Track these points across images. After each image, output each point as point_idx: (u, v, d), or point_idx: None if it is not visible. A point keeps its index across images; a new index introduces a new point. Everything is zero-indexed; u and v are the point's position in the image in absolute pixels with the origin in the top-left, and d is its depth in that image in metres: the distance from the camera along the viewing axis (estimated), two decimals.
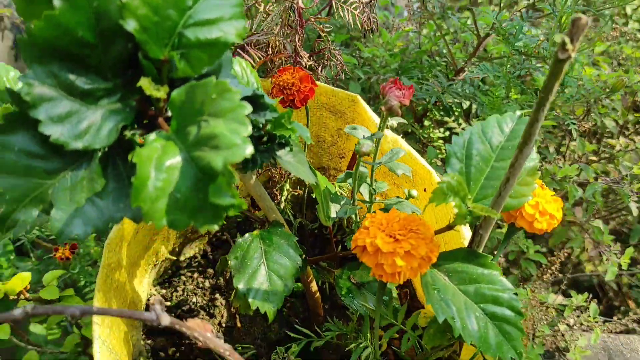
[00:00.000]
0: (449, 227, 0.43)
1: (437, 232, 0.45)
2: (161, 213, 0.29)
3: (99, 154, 0.33)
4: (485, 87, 1.20)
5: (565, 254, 0.88)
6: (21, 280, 0.71)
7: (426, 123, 1.23)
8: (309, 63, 0.80)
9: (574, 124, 0.81)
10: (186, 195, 0.29)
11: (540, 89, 0.34)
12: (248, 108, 0.30)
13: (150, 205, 0.29)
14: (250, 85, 0.48)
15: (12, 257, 1.04)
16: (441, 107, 1.23)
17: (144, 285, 0.74)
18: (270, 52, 0.73)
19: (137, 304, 0.68)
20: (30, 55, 0.30)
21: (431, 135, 1.21)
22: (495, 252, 0.60)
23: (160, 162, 0.29)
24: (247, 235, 0.51)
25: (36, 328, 0.96)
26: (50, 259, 1.00)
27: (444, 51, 1.35)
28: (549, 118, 0.95)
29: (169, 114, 0.32)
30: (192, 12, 0.32)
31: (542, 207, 0.42)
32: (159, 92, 0.32)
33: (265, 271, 0.48)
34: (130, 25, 0.30)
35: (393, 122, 0.54)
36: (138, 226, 0.63)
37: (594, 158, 1.17)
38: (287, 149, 0.47)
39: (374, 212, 0.47)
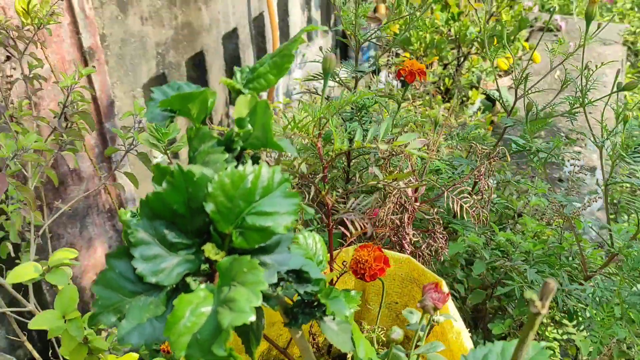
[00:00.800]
0: None
1: None
2: (183, 346, 0.40)
3: (168, 288, 0.45)
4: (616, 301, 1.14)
5: None
6: (130, 358, 0.86)
7: (544, 320, 1.20)
8: (415, 240, 0.88)
9: None
10: (204, 338, 0.40)
11: (521, 331, 0.39)
12: (265, 286, 0.40)
13: (176, 338, 0.39)
14: (315, 257, 0.59)
15: None
16: (564, 309, 1.20)
17: None
18: (375, 223, 0.83)
19: None
20: (143, 212, 0.44)
21: (546, 333, 1.17)
22: None
23: (196, 307, 0.40)
24: None
25: None
26: None
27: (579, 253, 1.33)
28: None
29: None
30: (256, 204, 0.44)
31: None
32: (217, 256, 0.44)
33: None
34: (209, 207, 0.43)
35: (441, 317, 0.59)
36: None
37: None
38: (331, 317, 0.55)
39: None
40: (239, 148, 0.48)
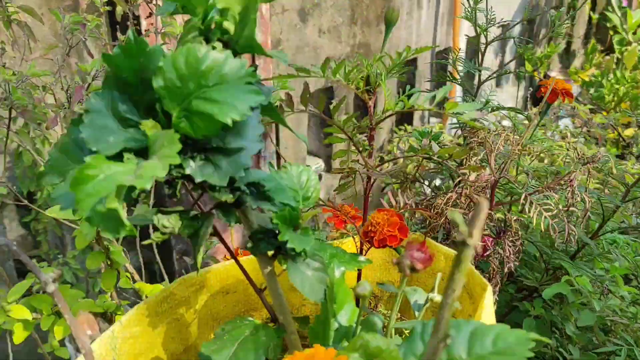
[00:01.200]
0: None
1: None
2: (87, 207, 0.37)
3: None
4: None
5: None
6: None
7: None
8: (481, 243, 0.76)
9: None
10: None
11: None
12: (176, 160, 0.36)
13: (83, 197, 0.37)
14: (302, 191, 0.52)
15: None
16: None
17: None
18: (429, 208, 0.74)
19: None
20: (105, 81, 0.43)
21: None
22: None
23: (113, 172, 0.38)
24: (250, 319, 0.53)
25: None
26: None
27: None
28: None
29: None
30: (207, 89, 0.41)
31: None
32: (152, 131, 0.41)
33: (233, 353, 0.50)
34: (157, 82, 0.40)
35: (437, 296, 0.50)
36: (229, 287, 0.71)
37: None
38: (307, 260, 0.49)
39: None
40: (215, 39, 0.45)
